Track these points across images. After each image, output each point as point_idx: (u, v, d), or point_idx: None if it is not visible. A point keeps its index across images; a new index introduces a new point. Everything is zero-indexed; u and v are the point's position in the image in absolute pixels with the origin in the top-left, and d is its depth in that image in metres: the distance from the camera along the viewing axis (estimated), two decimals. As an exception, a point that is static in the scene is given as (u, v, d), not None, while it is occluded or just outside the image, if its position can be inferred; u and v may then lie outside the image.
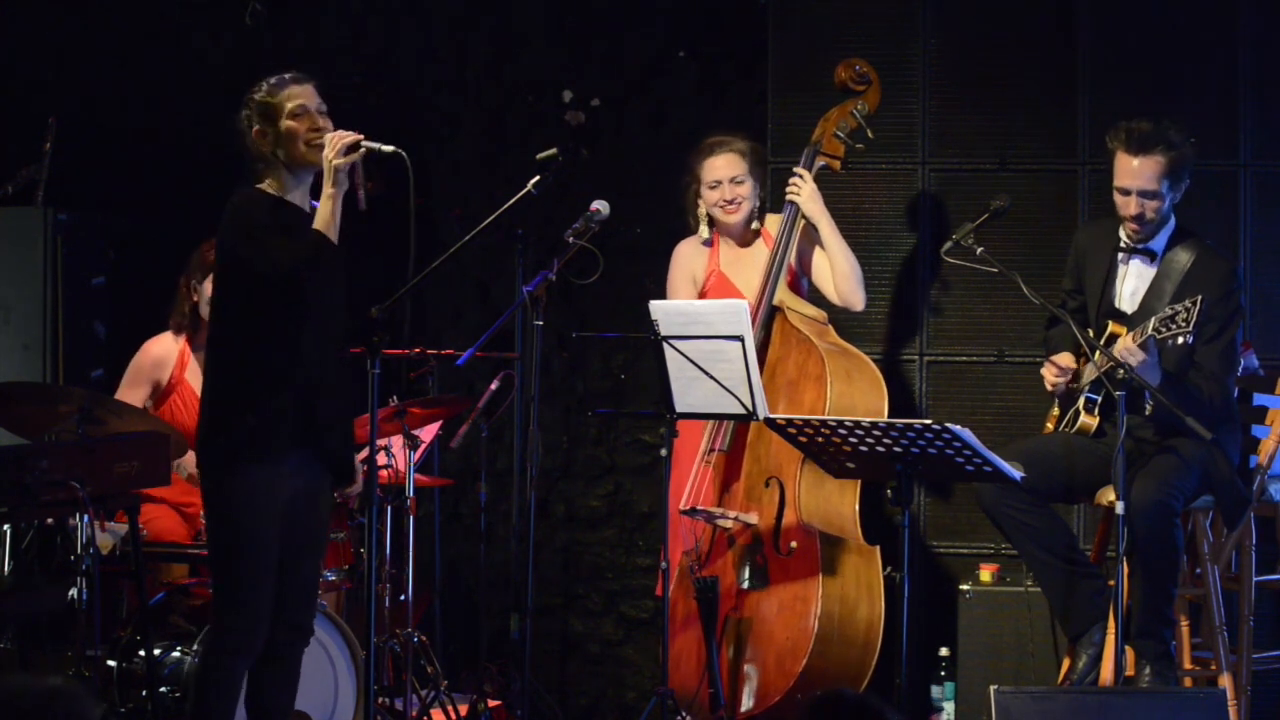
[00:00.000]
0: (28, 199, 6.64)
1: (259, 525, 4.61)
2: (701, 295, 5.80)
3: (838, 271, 5.68)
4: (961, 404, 6.14)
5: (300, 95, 4.65)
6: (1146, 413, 5.18)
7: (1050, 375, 5.38)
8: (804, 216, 5.70)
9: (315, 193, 4.71)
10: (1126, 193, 5.28)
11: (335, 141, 4.57)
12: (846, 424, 4.75)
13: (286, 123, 4.62)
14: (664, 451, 5.22)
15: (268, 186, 4.69)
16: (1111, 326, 5.29)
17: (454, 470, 6.64)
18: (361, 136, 4.59)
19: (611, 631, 6.75)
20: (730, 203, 5.73)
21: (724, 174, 5.73)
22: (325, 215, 4.58)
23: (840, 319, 5.85)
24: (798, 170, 5.74)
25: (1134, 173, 5.24)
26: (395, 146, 4.59)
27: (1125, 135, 5.26)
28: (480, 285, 6.84)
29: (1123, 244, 5.37)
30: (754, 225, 5.79)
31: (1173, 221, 5.35)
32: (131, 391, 5.83)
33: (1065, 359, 5.38)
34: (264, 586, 4.65)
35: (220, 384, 4.68)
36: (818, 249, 5.76)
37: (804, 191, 5.68)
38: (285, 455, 4.63)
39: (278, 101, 4.64)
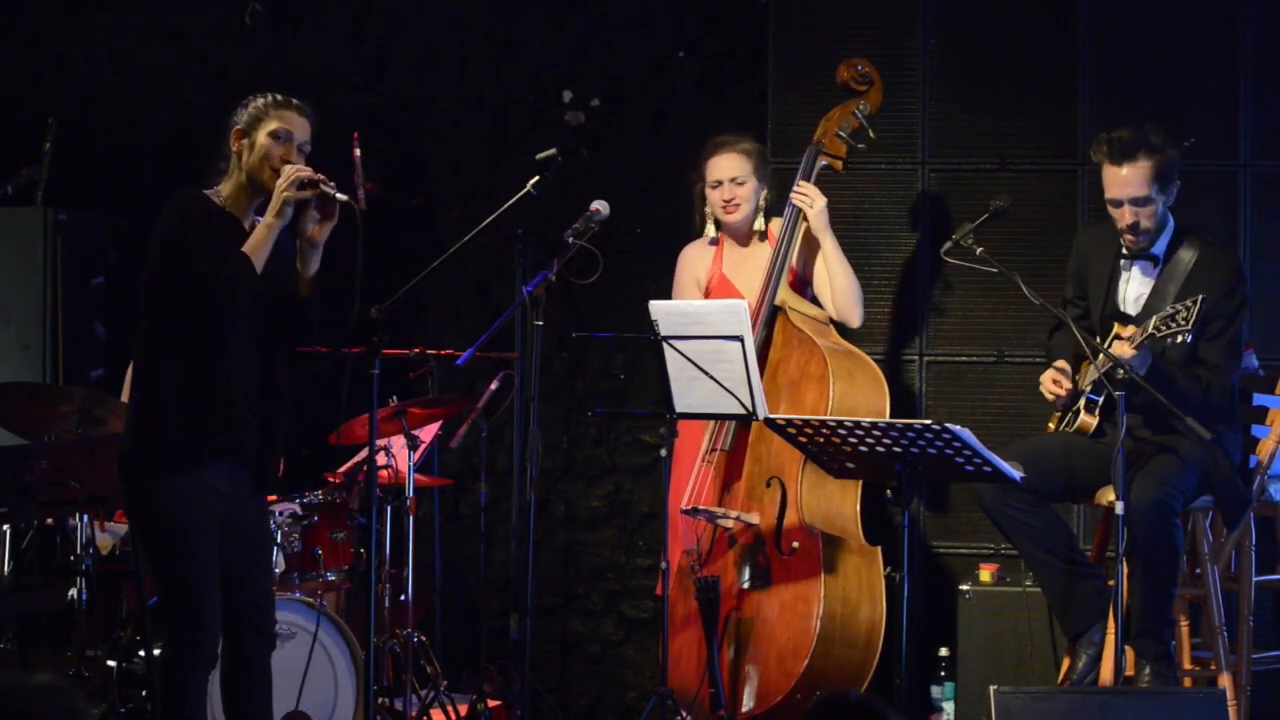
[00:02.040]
0: (28, 199, 6.64)
1: (196, 533, 4.49)
2: (705, 297, 5.80)
3: (837, 289, 5.67)
4: (961, 404, 6.14)
5: (290, 122, 4.58)
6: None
7: (1047, 386, 5.36)
8: (806, 224, 5.69)
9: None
10: (1118, 204, 5.26)
11: (290, 173, 4.48)
12: (846, 424, 4.75)
13: (264, 139, 4.56)
14: (664, 451, 5.22)
15: (219, 190, 4.61)
16: (1117, 329, 5.29)
17: (454, 470, 6.64)
18: (321, 177, 4.50)
19: (611, 631, 6.75)
20: (729, 202, 5.74)
21: (725, 174, 5.74)
22: (257, 240, 4.49)
23: (840, 324, 5.86)
24: (801, 183, 5.72)
25: (1122, 182, 5.23)
26: (348, 197, 4.49)
27: (1107, 147, 5.25)
28: (480, 285, 6.84)
29: (1124, 253, 5.36)
30: (757, 226, 5.79)
31: (1171, 223, 5.34)
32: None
33: (1062, 369, 5.36)
34: (210, 595, 4.52)
35: (144, 390, 4.56)
36: (820, 259, 5.75)
37: (816, 204, 5.67)
38: (209, 465, 4.51)
39: (269, 115, 4.58)
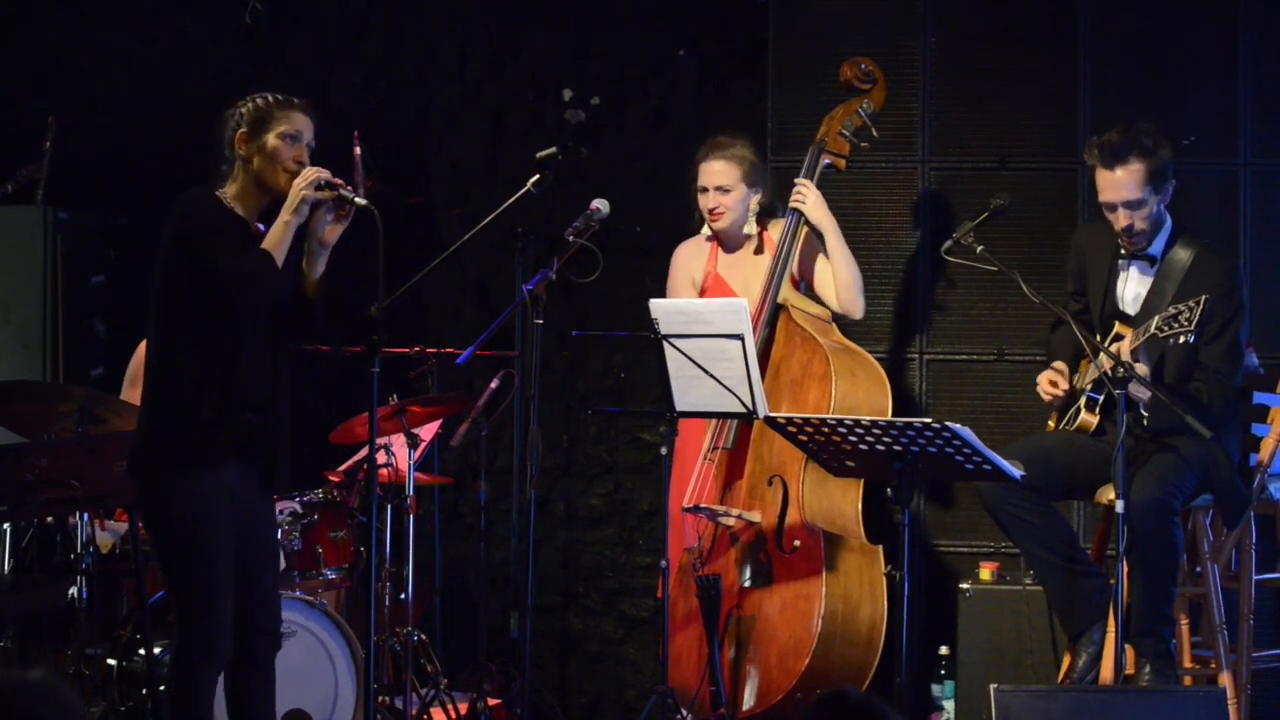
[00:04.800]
0: (28, 198, 6.65)
1: (215, 530, 4.48)
2: (700, 295, 5.80)
3: (840, 280, 5.66)
4: (961, 403, 6.14)
5: (299, 123, 4.55)
6: (1145, 423, 5.17)
7: (1044, 387, 5.38)
8: (808, 224, 5.68)
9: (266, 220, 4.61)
10: (1112, 208, 5.26)
11: (309, 174, 4.47)
12: (846, 423, 4.75)
13: (274, 140, 4.52)
14: (664, 450, 5.22)
15: (225, 192, 4.58)
16: (1118, 327, 5.29)
17: (454, 469, 6.64)
18: (339, 181, 4.49)
19: (611, 630, 6.75)
20: (713, 211, 5.72)
21: (710, 181, 5.71)
22: (276, 237, 4.47)
23: (842, 318, 5.85)
24: (799, 180, 5.72)
25: (1115, 185, 5.22)
26: (368, 202, 4.48)
27: (1099, 150, 5.24)
28: (480, 284, 6.84)
29: (1121, 252, 5.37)
30: (747, 231, 5.76)
31: (1169, 222, 5.34)
32: (135, 391, 5.83)
33: (1059, 371, 5.37)
34: (225, 592, 4.51)
35: (159, 388, 4.54)
36: (819, 257, 5.74)
37: (809, 199, 5.66)
38: (222, 464, 4.50)
39: (275, 116, 4.54)
